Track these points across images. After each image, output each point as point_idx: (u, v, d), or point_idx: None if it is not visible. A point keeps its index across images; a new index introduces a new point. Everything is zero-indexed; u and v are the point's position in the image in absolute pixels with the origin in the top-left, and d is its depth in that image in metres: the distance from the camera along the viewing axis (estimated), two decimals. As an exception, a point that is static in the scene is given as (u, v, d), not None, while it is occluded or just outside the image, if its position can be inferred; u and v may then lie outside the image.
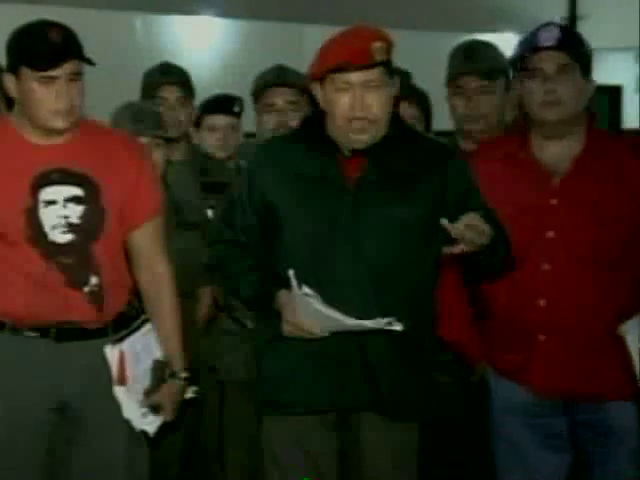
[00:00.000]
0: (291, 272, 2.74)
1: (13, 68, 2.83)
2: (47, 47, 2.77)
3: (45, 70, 2.78)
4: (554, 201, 2.97)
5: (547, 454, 3.05)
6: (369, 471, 2.93)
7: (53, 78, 2.78)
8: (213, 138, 4.01)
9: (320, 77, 2.83)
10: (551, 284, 2.96)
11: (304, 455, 2.90)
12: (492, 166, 3.04)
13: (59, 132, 2.86)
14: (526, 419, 3.04)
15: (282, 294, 2.80)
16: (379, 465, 2.92)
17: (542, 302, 2.97)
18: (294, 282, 2.73)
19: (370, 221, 2.82)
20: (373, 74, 2.78)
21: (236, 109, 4.05)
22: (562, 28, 3.00)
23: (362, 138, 2.81)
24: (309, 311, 2.75)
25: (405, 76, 4.04)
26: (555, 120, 2.96)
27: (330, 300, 2.74)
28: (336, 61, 2.77)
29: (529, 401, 3.02)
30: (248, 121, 3.98)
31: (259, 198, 2.91)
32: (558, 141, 3.00)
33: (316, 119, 2.92)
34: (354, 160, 2.85)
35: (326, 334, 2.77)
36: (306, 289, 2.72)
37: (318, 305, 2.73)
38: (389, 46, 2.80)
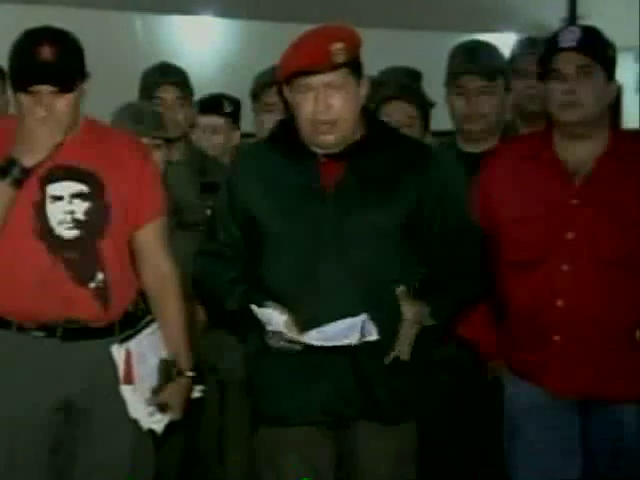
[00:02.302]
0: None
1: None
2: (31, 69, 2.76)
3: (28, 88, 2.77)
4: (575, 202, 2.95)
5: (562, 455, 3.03)
6: (367, 477, 2.91)
7: (37, 92, 2.77)
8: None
9: (286, 81, 2.80)
10: (570, 285, 2.94)
11: (301, 457, 2.89)
12: (514, 165, 3.03)
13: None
14: (542, 419, 3.03)
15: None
16: (377, 471, 2.91)
17: (560, 302, 2.95)
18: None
19: (352, 227, 2.78)
20: (335, 76, 2.73)
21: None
22: (584, 29, 2.99)
23: (328, 138, 2.77)
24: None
25: (416, 76, 4.04)
26: (574, 121, 2.95)
27: (316, 307, 2.74)
28: (296, 66, 2.73)
29: (545, 402, 3.01)
30: (248, 121, 3.97)
31: (241, 209, 2.87)
32: (581, 141, 2.98)
33: (290, 123, 2.87)
34: (331, 165, 2.81)
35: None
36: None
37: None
38: (352, 46, 2.73)
